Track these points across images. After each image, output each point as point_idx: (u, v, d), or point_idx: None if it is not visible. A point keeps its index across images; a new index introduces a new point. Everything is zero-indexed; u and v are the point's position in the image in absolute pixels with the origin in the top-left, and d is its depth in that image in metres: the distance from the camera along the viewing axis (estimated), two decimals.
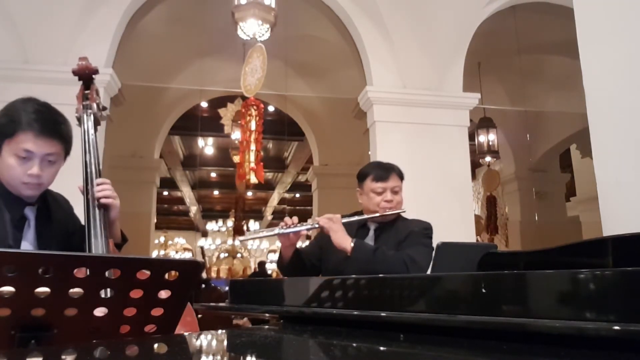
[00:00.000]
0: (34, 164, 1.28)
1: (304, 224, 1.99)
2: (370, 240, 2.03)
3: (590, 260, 0.87)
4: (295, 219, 1.98)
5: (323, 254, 2.07)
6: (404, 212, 2.07)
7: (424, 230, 2.02)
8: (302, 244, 2.19)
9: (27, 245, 1.30)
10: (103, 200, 1.34)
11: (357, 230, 2.05)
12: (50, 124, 1.30)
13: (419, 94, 4.49)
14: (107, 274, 0.81)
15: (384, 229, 2.05)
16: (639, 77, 1.74)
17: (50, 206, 1.40)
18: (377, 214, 2.00)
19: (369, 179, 2.05)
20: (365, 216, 2.03)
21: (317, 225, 1.98)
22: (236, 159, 5.24)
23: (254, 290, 1.24)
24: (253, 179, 4.08)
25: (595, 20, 1.94)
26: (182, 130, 8.80)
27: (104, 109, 1.58)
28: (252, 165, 4.07)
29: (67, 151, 1.36)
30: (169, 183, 11.82)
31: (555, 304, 0.52)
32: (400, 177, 2.10)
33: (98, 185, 1.36)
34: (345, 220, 1.98)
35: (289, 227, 1.95)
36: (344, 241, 1.90)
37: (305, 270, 2.04)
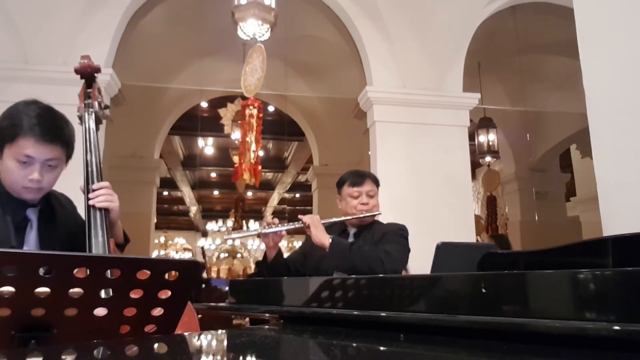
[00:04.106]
0: (34, 169, 1.27)
1: (287, 224, 2.09)
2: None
3: (590, 260, 0.87)
4: (275, 220, 2.10)
5: (306, 258, 2.18)
6: (379, 214, 2.18)
7: (399, 230, 2.13)
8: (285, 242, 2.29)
9: (30, 246, 1.29)
10: (98, 205, 1.33)
11: (338, 234, 2.16)
12: (52, 129, 1.28)
13: (419, 94, 4.49)
14: (107, 274, 0.81)
15: (362, 232, 2.16)
16: (639, 77, 1.74)
17: (54, 207, 1.39)
18: (354, 216, 2.12)
19: (346, 184, 2.19)
20: (343, 217, 2.15)
21: (298, 224, 2.09)
22: (236, 159, 5.25)
23: (254, 290, 1.24)
24: (247, 178, 4.08)
25: (595, 20, 1.94)
26: (182, 130, 8.78)
27: (106, 107, 1.58)
28: (246, 165, 4.06)
29: (68, 155, 1.35)
30: (169, 183, 11.81)
31: (555, 304, 0.52)
32: (376, 183, 2.22)
33: (94, 191, 1.34)
34: (325, 221, 2.09)
35: (272, 227, 2.05)
36: (323, 237, 2.01)
37: (289, 274, 2.14)
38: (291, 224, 2.10)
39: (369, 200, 2.14)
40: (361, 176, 2.19)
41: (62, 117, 1.35)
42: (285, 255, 2.22)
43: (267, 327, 0.96)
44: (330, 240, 1.99)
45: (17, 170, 1.26)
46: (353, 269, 1.91)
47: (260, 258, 2.25)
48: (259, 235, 2.10)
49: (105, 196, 1.35)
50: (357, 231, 2.17)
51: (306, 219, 2.08)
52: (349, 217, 2.13)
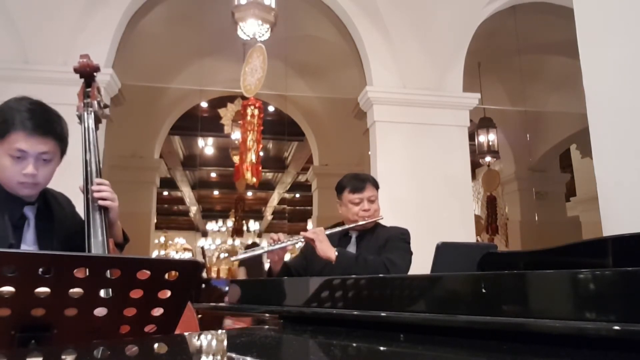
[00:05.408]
0: (28, 163, 1.26)
1: (290, 238, 2.09)
2: (352, 247, 2.15)
3: (590, 260, 0.87)
4: (281, 235, 2.08)
5: (308, 263, 2.18)
6: (381, 218, 2.17)
7: (402, 235, 2.12)
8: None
9: (27, 245, 1.29)
10: (101, 202, 1.33)
11: (339, 239, 2.16)
12: (43, 122, 1.28)
13: (419, 94, 4.49)
14: (107, 274, 0.81)
15: (364, 236, 2.16)
16: (639, 77, 1.74)
17: (51, 205, 1.39)
18: (357, 223, 2.11)
19: (346, 191, 2.17)
20: (346, 226, 2.14)
21: (302, 240, 2.09)
22: (236, 159, 5.24)
23: (254, 290, 1.24)
24: (249, 177, 4.08)
25: (595, 20, 1.94)
26: (182, 130, 8.78)
27: (106, 106, 1.58)
28: (247, 164, 4.06)
29: (62, 149, 1.35)
30: (169, 183, 11.81)
31: (555, 304, 0.52)
32: (376, 186, 2.20)
33: (97, 185, 1.35)
34: (328, 231, 2.09)
35: (276, 243, 2.05)
36: (329, 251, 2.00)
37: None
38: (295, 238, 2.10)
39: (370, 205, 2.13)
40: (361, 181, 2.18)
41: (54, 111, 1.34)
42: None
43: (267, 327, 0.96)
44: (335, 253, 1.99)
45: (11, 166, 1.26)
46: None
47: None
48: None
49: (107, 193, 1.35)
50: (359, 235, 2.17)
51: (309, 234, 2.07)
52: (352, 226, 2.12)
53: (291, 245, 2.08)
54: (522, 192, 7.65)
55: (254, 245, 5.50)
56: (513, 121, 7.22)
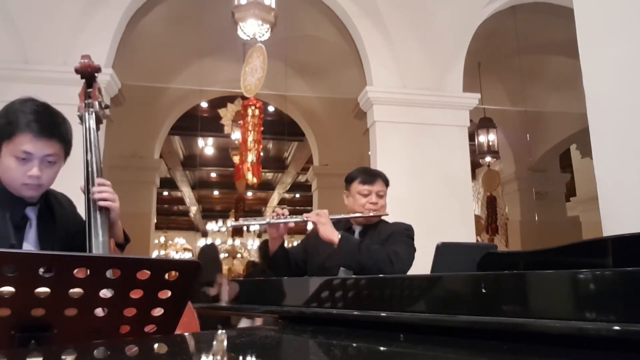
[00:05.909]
0: (33, 165, 1.27)
1: (295, 216, 2.06)
2: None
3: (590, 260, 0.87)
4: (286, 211, 2.07)
5: (308, 255, 2.16)
6: (387, 215, 2.16)
7: (405, 230, 2.11)
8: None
9: (29, 245, 1.30)
10: (101, 203, 1.33)
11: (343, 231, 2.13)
12: (49, 124, 1.29)
13: (419, 94, 4.49)
14: (107, 274, 0.81)
15: (367, 231, 2.13)
16: (639, 77, 1.74)
17: (53, 206, 1.39)
18: (362, 215, 2.09)
19: (357, 181, 2.15)
20: (351, 215, 2.12)
21: (306, 219, 2.06)
22: (236, 159, 5.25)
23: (254, 290, 1.24)
24: (249, 178, 4.08)
25: (595, 20, 1.94)
26: (182, 130, 8.78)
27: (107, 107, 1.58)
28: (247, 165, 4.07)
29: (66, 151, 1.36)
30: (169, 183, 11.80)
31: (555, 304, 0.52)
32: (386, 183, 2.19)
33: (97, 186, 1.35)
34: (332, 217, 2.05)
35: (280, 218, 2.03)
36: (331, 233, 1.97)
37: (289, 267, 2.12)
38: (299, 216, 2.07)
39: (378, 200, 2.11)
40: (373, 175, 2.17)
41: (59, 113, 1.35)
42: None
43: (267, 327, 0.96)
44: (339, 236, 1.95)
45: (16, 167, 1.27)
46: (361, 268, 1.88)
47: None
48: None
49: (109, 194, 1.35)
50: (362, 230, 2.14)
51: (313, 217, 2.04)
52: (357, 215, 2.09)
53: (293, 223, 2.04)
54: (522, 192, 7.65)
55: (212, 244, 5.41)
56: (513, 121, 7.22)
